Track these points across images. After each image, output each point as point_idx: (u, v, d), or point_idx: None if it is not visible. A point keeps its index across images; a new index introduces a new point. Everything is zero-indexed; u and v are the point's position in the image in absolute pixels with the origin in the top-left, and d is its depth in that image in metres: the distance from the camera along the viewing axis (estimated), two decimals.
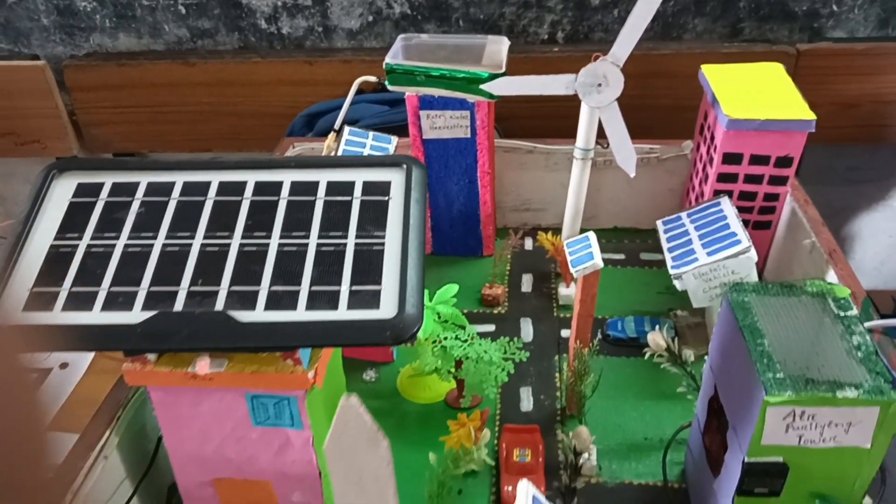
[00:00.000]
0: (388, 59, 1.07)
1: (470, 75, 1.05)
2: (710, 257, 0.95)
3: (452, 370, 0.94)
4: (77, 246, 0.69)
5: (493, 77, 1.04)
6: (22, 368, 0.36)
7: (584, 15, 1.55)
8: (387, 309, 0.63)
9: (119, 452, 0.78)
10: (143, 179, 0.74)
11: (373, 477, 0.35)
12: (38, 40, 1.61)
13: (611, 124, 1.03)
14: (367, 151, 1.06)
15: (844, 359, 0.65)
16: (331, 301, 0.64)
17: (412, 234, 0.68)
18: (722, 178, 1.07)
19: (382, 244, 0.68)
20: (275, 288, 0.65)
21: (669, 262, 0.99)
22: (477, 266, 1.26)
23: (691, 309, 1.11)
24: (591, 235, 0.84)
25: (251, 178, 0.73)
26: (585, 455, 0.89)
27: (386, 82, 1.09)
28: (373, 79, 1.14)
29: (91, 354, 1.14)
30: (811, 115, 1.00)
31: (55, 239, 0.69)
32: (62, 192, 0.73)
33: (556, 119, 1.38)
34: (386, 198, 0.71)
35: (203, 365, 0.67)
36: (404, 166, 0.73)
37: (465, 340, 0.93)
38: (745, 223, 0.99)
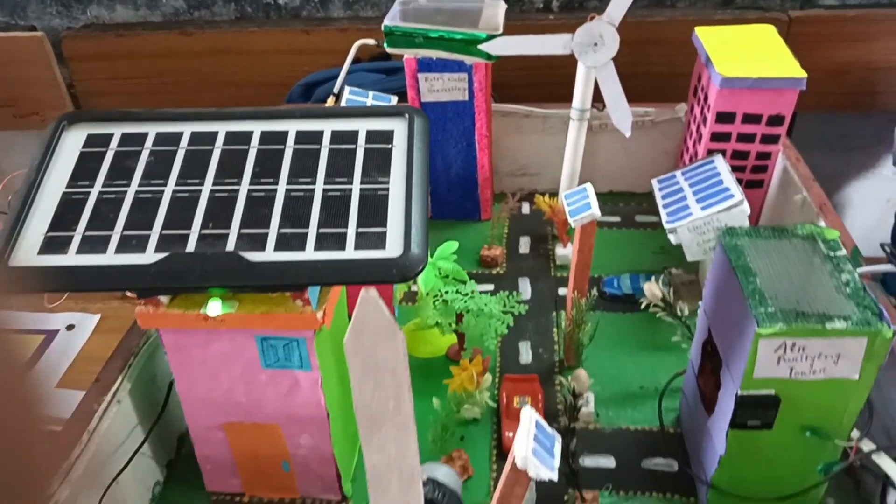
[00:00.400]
0: (386, 22, 1.09)
1: (468, 36, 1.07)
2: (704, 211, 0.97)
3: (453, 324, 0.96)
4: (89, 193, 0.70)
5: (490, 38, 1.06)
6: (21, 379, 0.34)
7: None
8: (393, 249, 0.65)
9: (131, 399, 0.80)
10: (152, 130, 0.75)
11: (389, 371, 0.37)
12: (35, 12, 1.61)
13: (606, 84, 1.05)
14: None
15: (833, 294, 0.67)
16: (338, 242, 0.66)
17: (415, 180, 0.70)
18: (715, 137, 1.09)
19: (387, 189, 0.70)
20: (283, 230, 0.67)
21: (664, 218, 1.02)
22: (475, 229, 1.28)
23: (686, 267, 1.14)
24: (589, 186, 0.86)
25: (257, 127, 0.75)
26: (583, 401, 0.92)
27: (384, 44, 1.10)
28: (371, 42, 1.15)
29: (97, 316, 1.16)
30: (802, 73, 1.02)
31: (67, 187, 0.71)
32: (73, 143, 0.74)
33: (552, 87, 1.40)
34: (389, 146, 0.73)
35: (215, 306, 0.69)
36: (407, 115, 0.75)
37: (466, 294, 0.96)
38: (738, 182, 1.01)
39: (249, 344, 0.72)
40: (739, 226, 0.93)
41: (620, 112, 1.06)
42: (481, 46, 1.05)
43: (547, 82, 1.48)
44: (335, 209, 0.68)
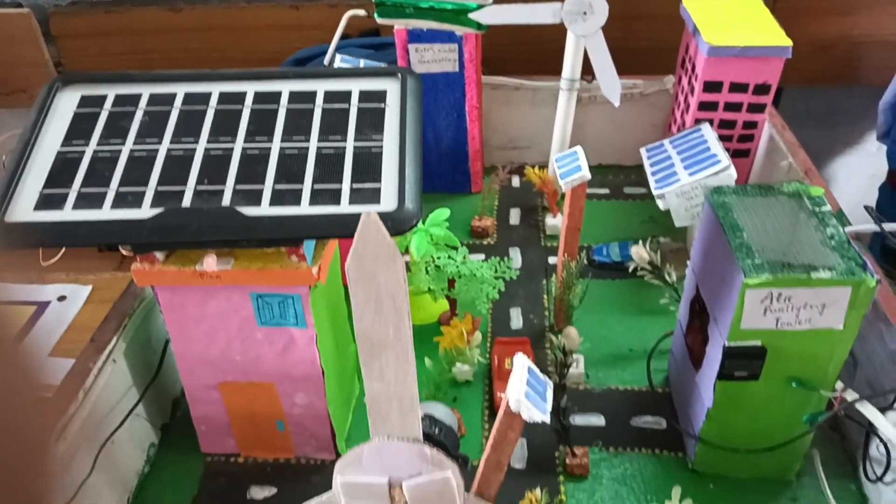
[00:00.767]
0: None
1: (458, 6, 1.08)
2: (692, 177, 0.99)
3: (445, 289, 0.97)
4: (84, 152, 0.71)
5: (480, 7, 1.06)
6: (13, 348, 0.34)
7: None
8: (387, 203, 0.66)
9: (126, 359, 0.80)
10: (146, 91, 0.76)
11: (390, 297, 0.38)
12: None
13: (596, 53, 1.06)
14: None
15: (819, 247, 0.69)
16: (333, 197, 0.67)
17: (409, 138, 0.71)
18: (703, 106, 1.11)
19: (380, 147, 0.70)
20: (278, 186, 0.67)
21: (653, 184, 1.03)
22: (466, 201, 1.29)
23: (673, 235, 1.16)
24: (579, 149, 0.88)
25: (250, 88, 0.76)
26: (573, 360, 0.94)
27: (375, 14, 1.11)
28: (362, 13, 1.15)
29: (88, 287, 1.16)
30: (788, 42, 1.04)
31: (62, 146, 0.71)
32: (66, 104, 0.75)
33: (541, 62, 1.41)
34: (382, 105, 0.74)
35: (210, 262, 0.69)
36: (399, 76, 0.76)
37: (458, 260, 0.97)
38: (726, 151, 1.03)
39: (245, 301, 0.73)
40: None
41: (609, 82, 1.07)
42: (471, 16, 1.05)
43: (536, 58, 1.49)
44: (329, 166, 0.69)
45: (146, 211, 0.66)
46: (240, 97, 0.75)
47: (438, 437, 0.49)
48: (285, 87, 0.76)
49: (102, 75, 0.77)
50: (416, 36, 1.12)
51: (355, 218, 0.65)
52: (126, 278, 0.88)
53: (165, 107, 0.74)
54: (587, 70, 1.14)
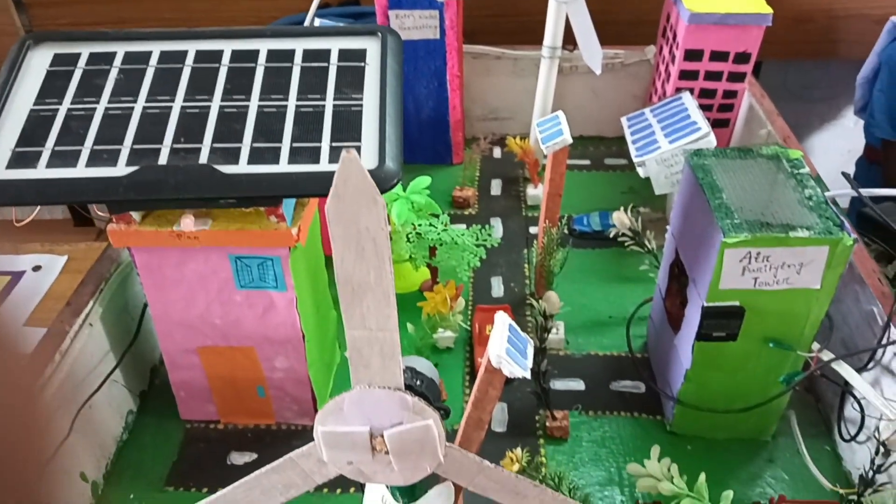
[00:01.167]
0: None
1: None
2: (672, 144, 0.99)
3: (426, 257, 0.97)
4: (57, 110, 0.69)
5: None
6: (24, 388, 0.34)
7: None
8: (368, 162, 0.65)
9: (103, 324, 0.79)
10: (120, 49, 0.74)
11: (371, 240, 0.38)
12: None
13: (577, 19, 1.05)
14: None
15: (797, 207, 0.70)
16: (312, 156, 0.66)
17: (389, 96, 0.70)
18: (684, 75, 1.11)
19: (360, 105, 0.70)
20: (257, 144, 0.66)
21: (633, 152, 1.03)
22: (447, 173, 1.28)
23: (653, 205, 1.16)
24: (561, 114, 0.87)
25: (227, 46, 0.74)
26: (554, 330, 0.94)
27: None
28: None
29: (64, 258, 1.14)
30: (768, 10, 1.04)
31: (34, 104, 0.70)
32: (39, 62, 0.73)
33: (521, 34, 1.40)
34: (362, 64, 0.73)
35: (188, 222, 0.68)
36: (379, 35, 0.75)
37: (439, 227, 0.96)
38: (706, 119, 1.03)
39: (223, 263, 0.72)
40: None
41: (591, 49, 1.07)
42: None
43: (517, 30, 1.49)
44: (308, 124, 0.68)
45: (122, 169, 0.64)
46: (217, 56, 0.74)
47: (420, 388, 0.49)
48: (263, 46, 0.74)
49: (76, 34, 0.75)
50: (396, 2, 1.11)
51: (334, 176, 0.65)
52: (102, 248, 0.87)
53: (141, 65, 0.73)
54: (569, 40, 1.14)
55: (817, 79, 1.72)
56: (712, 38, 1.06)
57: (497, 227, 1.16)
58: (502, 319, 0.59)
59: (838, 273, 0.68)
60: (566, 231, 1.14)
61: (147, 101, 0.70)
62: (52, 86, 0.71)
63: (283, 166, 0.65)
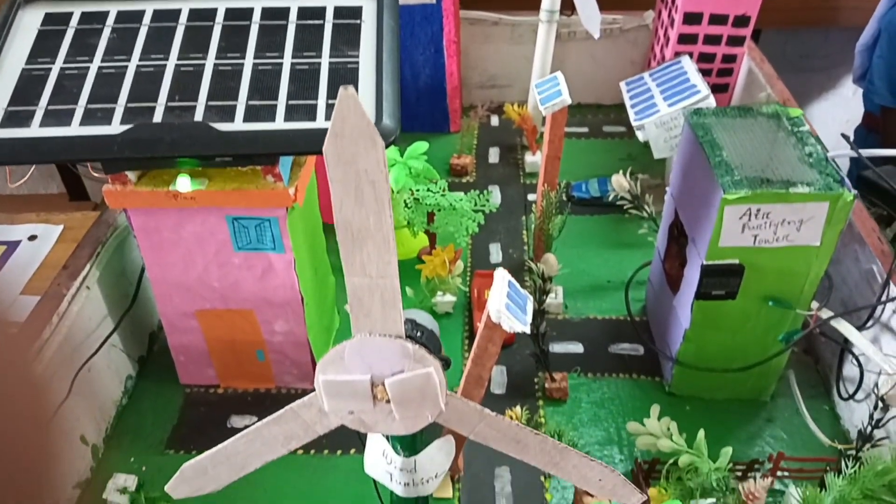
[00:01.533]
0: None
1: None
2: (671, 108, 0.98)
3: (425, 223, 0.96)
4: (50, 69, 0.68)
5: None
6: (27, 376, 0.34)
7: None
8: None
9: (100, 287, 0.79)
10: (113, 8, 0.73)
11: (370, 183, 0.37)
12: None
13: None
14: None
15: (797, 164, 0.69)
16: (308, 113, 0.65)
17: (386, 54, 0.69)
18: (682, 39, 1.10)
19: (357, 63, 0.69)
20: (252, 102, 0.66)
21: (632, 116, 1.02)
22: (445, 141, 1.27)
23: (651, 172, 1.16)
24: (559, 75, 0.86)
25: (221, 5, 0.73)
26: (553, 294, 0.94)
27: None
28: None
29: (60, 227, 1.13)
30: None
31: (26, 64, 0.69)
32: (29, 22, 0.72)
33: (519, 2, 1.38)
34: (358, 21, 0.72)
35: (184, 182, 0.68)
36: None
37: (437, 192, 0.96)
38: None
39: (221, 225, 0.72)
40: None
41: (589, 12, 1.06)
42: None
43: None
44: (304, 82, 0.67)
45: (116, 127, 0.64)
46: (210, 14, 0.72)
47: (420, 339, 0.48)
48: (257, 4, 0.73)
49: None
50: None
51: None
52: (99, 216, 0.86)
53: (134, 24, 0.72)
54: (566, 5, 1.12)
55: (816, 47, 1.71)
56: (711, 0, 1.05)
57: (495, 195, 1.15)
58: (502, 276, 0.59)
59: (838, 230, 0.68)
60: (564, 198, 1.13)
61: (141, 59, 0.69)
62: (44, 45, 0.70)
63: (280, 124, 0.64)
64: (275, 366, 0.83)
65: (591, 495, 0.71)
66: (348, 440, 0.79)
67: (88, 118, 0.65)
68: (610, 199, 0.97)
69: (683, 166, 0.78)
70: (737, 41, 1.09)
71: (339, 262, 0.42)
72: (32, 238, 1.12)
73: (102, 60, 0.69)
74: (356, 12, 0.72)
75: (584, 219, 1.10)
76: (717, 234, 0.69)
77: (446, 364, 0.49)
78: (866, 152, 0.86)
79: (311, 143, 0.63)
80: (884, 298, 0.72)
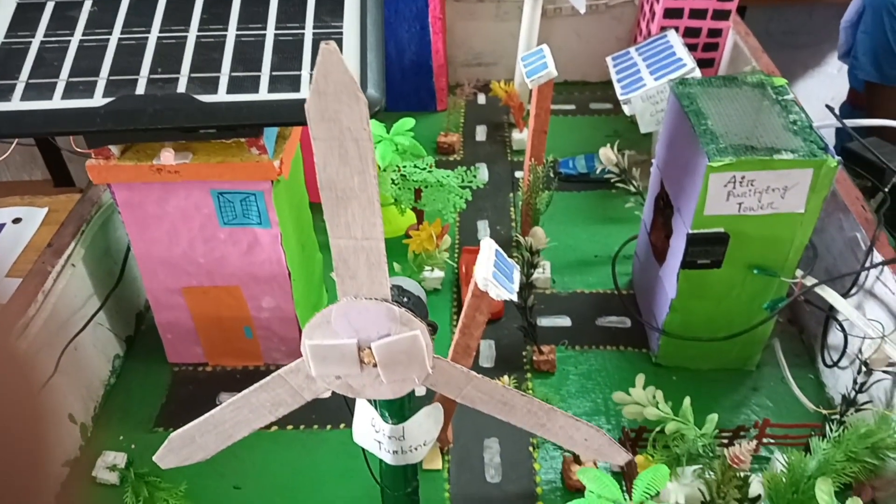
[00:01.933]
0: None
1: None
2: (657, 81, 0.99)
3: (412, 200, 0.96)
4: (30, 42, 0.67)
5: None
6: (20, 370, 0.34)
7: None
8: None
9: (85, 265, 0.79)
10: None
11: (354, 141, 0.37)
12: None
13: None
14: None
15: (781, 131, 0.69)
16: (292, 84, 0.65)
17: (370, 24, 0.68)
18: (668, 13, 1.10)
19: (341, 33, 0.68)
20: (236, 73, 0.65)
21: (619, 91, 1.02)
22: (431, 119, 1.27)
23: (638, 148, 1.16)
24: (545, 47, 0.86)
25: None
26: (541, 269, 0.94)
27: None
28: None
29: (44, 209, 1.12)
30: None
31: (6, 37, 0.68)
32: None
33: None
34: None
35: (168, 155, 0.67)
36: None
37: (424, 168, 0.96)
38: None
39: (206, 199, 0.71)
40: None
41: None
42: None
43: None
44: (288, 53, 0.67)
45: (98, 100, 0.63)
46: None
47: (407, 305, 0.48)
48: None
49: None
50: None
51: None
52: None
53: None
54: None
55: (801, 24, 1.71)
56: None
57: (483, 172, 1.15)
58: (489, 245, 0.59)
59: (822, 196, 0.68)
60: (552, 174, 1.13)
61: (122, 32, 0.68)
62: (24, 18, 0.69)
63: (263, 95, 0.64)
64: (263, 343, 0.83)
65: (580, 463, 0.72)
66: (338, 415, 0.79)
67: (70, 91, 0.64)
68: (598, 172, 0.97)
69: (669, 137, 0.78)
70: (722, 15, 1.09)
71: (327, 239, 0.42)
72: (17, 221, 1.11)
73: (83, 33, 0.68)
74: None
75: (572, 195, 1.10)
76: (703, 203, 0.69)
77: (433, 329, 0.49)
78: (850, 122, 0.87)
79: (294, 114, 0.63)
80: (868, 265, 0.73)
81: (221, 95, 0.64)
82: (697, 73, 0.95)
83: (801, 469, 0.65)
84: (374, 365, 0.46)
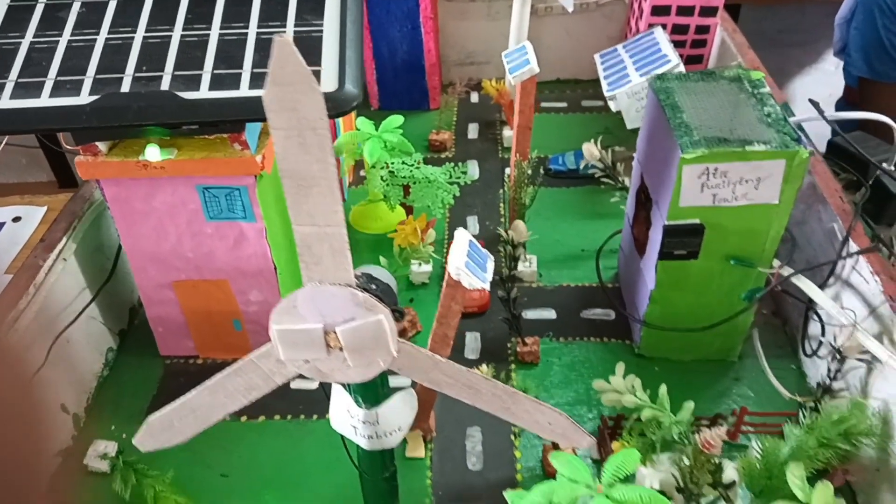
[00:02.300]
0: None
1: None
2: (643, 77, 1.00)
3: (401, 196, 0.98)
4: (20, 43, 0.69)
5: None
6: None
7: None
8: (328, 85, 0.66)
9: (77, 260, 0.80)
10: None
11: (311, 129, 0.39)
12: None
13: None
14: None
15: (755, 124, 0.70)
16: None
17: (350, 21, 0.70)
18: (656, 10, 1.11)
19: (321, 31, 0.70)
20: (217, 71, 0.67)
21: (605, 87, 1.04)
22: (424, 118, 1.28)
23: (628, 145, 1.17)
24: (528, 44, 0.88)
25: None
26: (527, 263, 0.95)
27: None
28: None
29: (43, 208, 1.15)
30: None
31: None
32: None
33: None
34: None
35: (153, 152, 0.69)
36: None
37: (412, 165, 0.97)
38: (679, 57, 1.03)
39: (192, 194, 0.73)
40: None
41: None
42: None
43: None
44: (269, 51, 0.68)
45: (85, 97, 0.65)
46: None
47: (375, 292, 0.50)
48: None
49: None
50: None
51: None
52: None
53: None
54: None
55: (794, 23, 1.72)
56: None
57: (474, 170, 1.17)
58: (462, 235, 0.60)
59: (796, 187, 0.69)
60: (542, 171, 1.14)
61: (109, 32, 0.70)
62: (14, 19, 0.71)
63: (244, 91, 0.65)
64: (252, 336, 0.85)
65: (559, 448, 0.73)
66: (324, 406, 0.80)
67: (58, 90, 0.66)
68: (581, 168, 0.98)
69: (648, 131, 0.80)
70: (709, 12, 1.10)
71: None
72: (17, 220, 1.13)
73: (72, 34, 0.70)
74: None
75: (560, 191, 1.11)
76: (678, 195, 0.70)
77: (400, 315, 0.50)
78: (832, 115, 0.88)
79: None
80: (843, 255, 0.74)
81: (203, 92, 0.65)
82: (682, 69, 0.96)
83: (774, 455, 0.65)
84: (341, 349, 0.47)
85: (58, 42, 0.70)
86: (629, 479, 0.56)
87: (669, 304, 0.79)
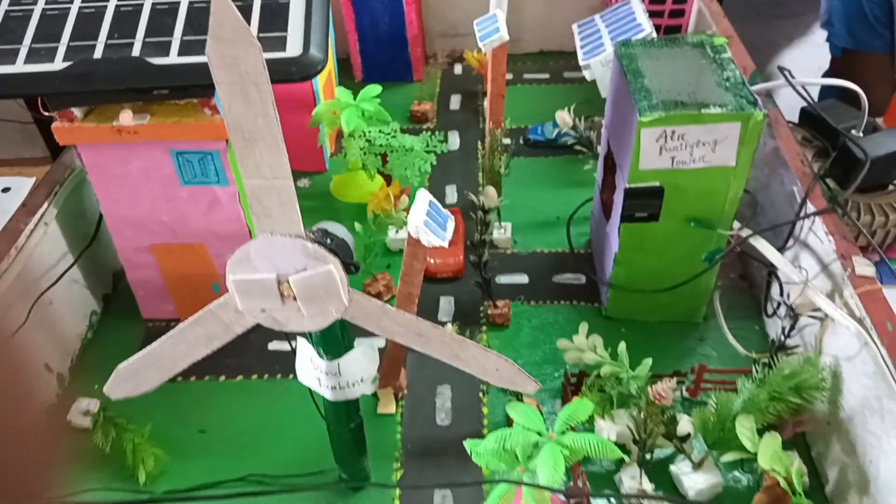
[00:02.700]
0: None
1: None
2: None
3: (379, 164, 1.00)
4: None
5: None
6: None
7: None
8: (293, 50, 0.68)
9: (59, 225, 0.83)
10: None
11: (254, 85, 0.41)
12: None
13: None
14: None
15: (714, 88, 0.72)
16: None
17: None
18: None
19: None
20: (187, 38, 0.69)
21: (580, 57, 1.05)
22: (407, 89, 1.30)
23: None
24: (499, 12, 0.89)
25: None
26: (502, 230, 0.97)
27: None
28: None
29: (32, 179, 1.17)
30: None
31: None
32: None
33: None
34: None
35: (126, 117, 0.71)
36: None
37: (389, 134, 0.99)
38: (657, 28, 1.04)
39: (166, 159, 0.75)
40: None
41: None
42: None
43: None
44: None
45: (58, 64, 0.67)
46: None
47: (331, 246, 0.52)
48: None
49: None
50: None
51: None
52: None
53: None
54: None
55: None
56: None
57: (454, 140, 1.18)
58: (423, 195, 0.62)
59: (752, 149, 0.71)
60: (522, 141, 1.16)
61: (83, 1, 0.72)
62: None
63: None
64: None
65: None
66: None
67: (32, 56, 0.68)
68: (555, 136, 1.00)
69: (613, 97, 0.81)
70: None
71: None
72: (6, 190, 1.16)
73: (46, 3, 0.72)
74: None
75: (539, 160, 1.13)
76: (637, 158, 0.72)
77: (355, 269, 0.52)
78: (799, 81, 0.89)
79: None
80: (801, 215, 0.76)
81: (173, 58, 0.67)
82: (654, 37, 0.97)
83: (727, 408, 0.68)
84: (295, 298, 0.50)
85: (33, 10, 0.72)
86: (589, 431, 0.59)
87: (633, 267, 0.81)
